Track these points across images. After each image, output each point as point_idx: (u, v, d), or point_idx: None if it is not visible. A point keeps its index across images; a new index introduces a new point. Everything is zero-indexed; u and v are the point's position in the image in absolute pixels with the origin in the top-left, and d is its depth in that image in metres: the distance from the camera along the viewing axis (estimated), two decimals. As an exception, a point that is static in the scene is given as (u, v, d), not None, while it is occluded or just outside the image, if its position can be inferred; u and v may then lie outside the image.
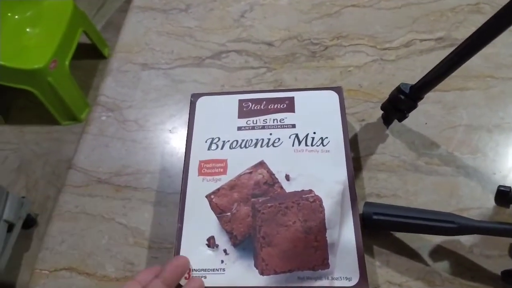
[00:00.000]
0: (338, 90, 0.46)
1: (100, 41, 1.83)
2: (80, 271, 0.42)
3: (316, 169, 0.41)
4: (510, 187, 0.37)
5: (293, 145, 0.42)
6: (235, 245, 0.38)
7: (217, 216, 0.39)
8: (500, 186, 0.37)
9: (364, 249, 0.41)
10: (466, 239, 0.40)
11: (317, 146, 0.42)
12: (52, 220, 0.45)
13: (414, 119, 0.47)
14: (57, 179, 1.55)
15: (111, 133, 0.51)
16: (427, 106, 0.48)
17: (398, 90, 0.43)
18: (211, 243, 0.38)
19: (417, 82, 0.42)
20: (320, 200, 0.39)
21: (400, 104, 0.43)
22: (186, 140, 0.44)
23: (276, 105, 0.45)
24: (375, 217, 0.39)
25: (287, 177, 0.41)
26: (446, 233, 0.38)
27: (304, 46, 0.55)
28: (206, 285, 0.36)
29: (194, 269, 0.36)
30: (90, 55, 1.86)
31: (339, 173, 0.40)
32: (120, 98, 0.54)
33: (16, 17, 1.66)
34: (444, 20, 0.56)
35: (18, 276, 1.36)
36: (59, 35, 1.54)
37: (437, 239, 0.41)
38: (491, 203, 0.42)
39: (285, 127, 0.44)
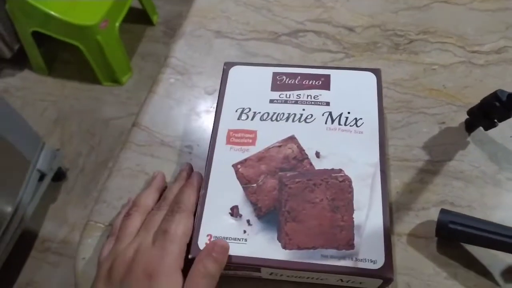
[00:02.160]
0: (376, 72, 0.44)
1: (151, 8, 1.82)
2: (135, 230, 0.41)
3: (347, 149, 0.39)
4: None
5: (325, 123, 0.41)
6: (259, 216, 0.37)
7: (242, 187, 0.38)
8: None
9: (431, 257, 0.39)
10: (543, 265, 0.38)
11: (350, 126, 0.41)
12: (112, 175, 0.45)
13: (498, 130, 0.44)
14: (92, 138, 1.57)
15: (178, 97, 0.50)
16: (514, 118, 0.45)
17: (494, 96, 0.40)
18: (234, 212, 0.37)
19: (517, 91, 0.39)
20: (350, 181, 0.37)
21: (492, 111, 0.41)
22: (216, 108, 0.43)
23: (311, 81, 0.44)
24: (451, 225, 0.37)
25: (317, 154, 0.39)
26: (530, 255, 0.35)
27: (387, 37, 0.53)
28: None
29: (216, 236, 0.35)
30: (139, 21, 1.86)
31: (372, 155, 0.39)
32: (190, 63, 0.52)
33: (74, -28, 1.67)
34: (542, 30, 0.52)
35: (42, 225, 1.39)
36: (113, -5, 1.54)
37: (510, 259, 0.38)
38: None
39: (319, 104, 0.42)
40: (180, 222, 0.34)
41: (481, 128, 0.44)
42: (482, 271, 0.38)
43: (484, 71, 0.49)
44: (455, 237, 0.38)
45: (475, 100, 0.43)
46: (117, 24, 1.58)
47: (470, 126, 0.45)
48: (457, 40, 0.52)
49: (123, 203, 0.42)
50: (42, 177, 1.31)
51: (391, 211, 0.41)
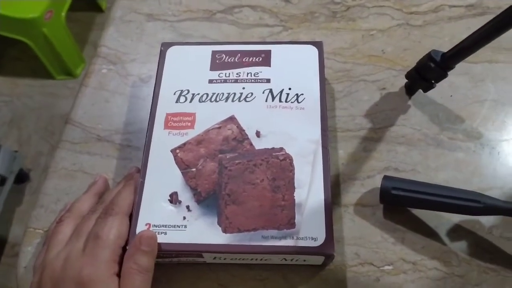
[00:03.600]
0: (318, 45, 0.43)
1: (98, -7, 1.74)
2: (76, 232, 0.39)
3: (288, 127, 0.39)
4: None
5: (266, 101, 0.40)
6: (198, 202, 0.36)
7: (181, 172, 0.37)
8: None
9: (378, 224, 0.39)
10: (486, 220, 0.38)
11: (291, 102, 0.40)
12: (48, 177, 0.42)
13: (438, 90, 0.43)
14: (51, 135, 1.51)
15: (112, 88, 0.47)
16: (453, 77, 0.45)
17: (428, 57, 0.40)
18: (173, 199, 0.36)
19: (449, 50, 0.39)
20: (291, 159, 0.37)
21: (428, 72, 0.40)
22: (154, 92, 0.41)
23: (251, 58, 0.42)
24: (394, 191, 0.37)
25: (258, 134, 0.38)
26: (470, 213, 0.35)
27: (324, 5, 0.51)
28: (166, 241, 0.34)
29: (154, 225, 0.35)
30: (86, 8, 1.77)
31: (313, 132, 0.38)
32: (122, 51, 0.50)
33: (11, -37, 1.57)
34: (477, -15, 0.51)
35: (10, 230, 1.35)
36: (55, -17, 1.46)
37: (455, 218, 0.38)
38: (515, 183, 0.40)
39: (259, 82, 0.41)
40: (112, 225, 0.32)
41: (421, 90, 0.44)
42: (429, 232, 0.38)
43: (422, 32, 0.49)
44: (398, 202, 0.38)
45: (414, 63, 0.43)
46: (63, 14, 1.50)
47: (409, 89, 0.44)
48: (394, 3, 0.51)
49: (61, 206, 0.40)
50: (3, 181, 1.27)
51: (338, 183, 0.41)
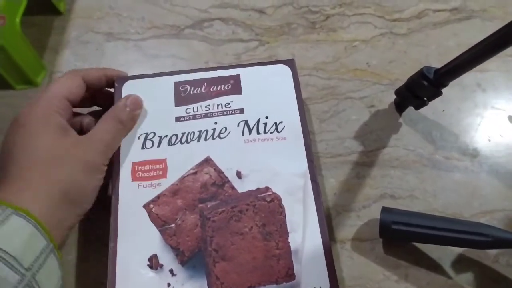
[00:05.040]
0: (290, 63, 0.39)
1: (54, -5, 1.64)
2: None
3: (271, 161, 0.35)
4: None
5: (242, 135, 0.36)
6: (183, 263, 0.32)
7: (159, 230, 0.32)
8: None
9: (378, 261, 0.36)
10: (491, 247, 0.36)
11: (270, 133, 0.36)
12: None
13: (430, 105, 0.40)
14: (13, 150, 1.42)
15: (72, 121, 0.42)
16: (443, 90, 0.42)
17: (421, 74, 0.36)
18: (153, 263, 0.32)
19: (443, 66, 0.36)
20: (279, 199, 0.33)
21: (421, 91, 0.37)
22: None
23: (219, 86, 0.38)
24: (394, 226, 0.34)
25: (239, 175, 0.34)
26: (477, 247, 0.33)
27: (302, 15, 0.47)
28: None
29: None
30: (43, 11, 1.67)
31: (299, 163, 0.35)
32: (81, 77, 0.44)
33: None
34: (460, -13, 0.49)
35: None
36: (4, -13, 1.36)
37: (459, 248, 0.36)
38: (517, 203, 0.38)
39: (232, 113, 0.37)
40: (59, 80, 0.35)
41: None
42: (432, 266, 0.35)
43: (407, 40, 0.45)
44: (399, 237, 0.35)
45: (402, 76, 0.40)
46: (17, 20, 1.40)
47: (399, 106, 0.41)
48: (375, 10, 0.47)
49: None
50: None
51: (332, 217, 0.37)
